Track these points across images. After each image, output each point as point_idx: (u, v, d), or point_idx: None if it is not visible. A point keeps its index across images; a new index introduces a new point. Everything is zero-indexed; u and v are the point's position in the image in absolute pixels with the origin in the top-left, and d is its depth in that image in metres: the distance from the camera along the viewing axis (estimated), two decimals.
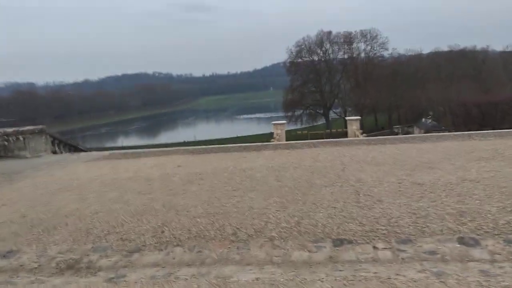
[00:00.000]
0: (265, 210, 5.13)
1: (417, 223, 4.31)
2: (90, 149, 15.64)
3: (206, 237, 4.48)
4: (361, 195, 5.42)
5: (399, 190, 5.48)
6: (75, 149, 14.66)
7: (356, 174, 6.60)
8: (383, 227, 4.27)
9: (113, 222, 5.20)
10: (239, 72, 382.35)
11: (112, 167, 9.18)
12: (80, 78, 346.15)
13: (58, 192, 7.17)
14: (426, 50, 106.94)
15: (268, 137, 74.99)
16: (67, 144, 15.17)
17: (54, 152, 14.42)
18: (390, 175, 6.40)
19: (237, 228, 4.62)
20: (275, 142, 10.75)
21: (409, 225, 4.28)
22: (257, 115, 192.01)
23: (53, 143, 14.75)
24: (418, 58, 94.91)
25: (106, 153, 11.30)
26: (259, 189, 6.16)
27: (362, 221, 4.51)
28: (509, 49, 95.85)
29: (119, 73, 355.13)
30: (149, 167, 8.76)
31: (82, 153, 12.50)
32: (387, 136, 11.06)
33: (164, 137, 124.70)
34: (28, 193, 7.34)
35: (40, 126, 14.22)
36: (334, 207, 5.02)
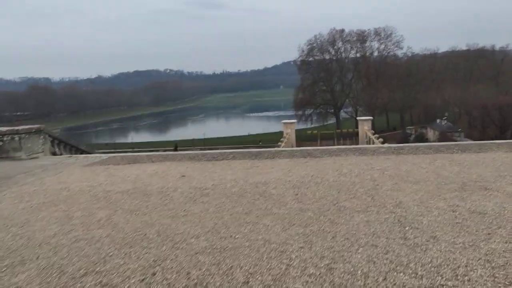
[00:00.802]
0: (285, 246, 4.03)
1: (496, 277, 3.18)
2: (96, 146, 14.62)
3: (210, 285, 3.40)
4: (407, 227, 4.29)
5: (457, 222, 4.33)
6: (76, 150, 13.68)
7: (393, 195, 5.46)
8: (449, 283, 3.14)
9: (95, 256, 4.15)
10: (249, 70, 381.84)
11: (109, 174, 8.14)
12: (93, 74, 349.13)
13: (41, 207, 6.15)
14: (442, 49, 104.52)
15: (278, 136, 74.08)
16: (68, 145, 14.19)
17: (54, 153, 13.46)
18: (436, 197, 5.25)
19: (250, 274, 3.53)
20: (290, 148, 9.61)
21: (486, 280, 3.14)
22: (267, 114, 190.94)
23: (52, 143, 13.80)
24: (433, 58, 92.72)
25: (106, 157, 10.29)
26: (276, 213, 5.06)
27: (417, 269, 3.39)
28: None
29: (131, 70, 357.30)
30: (149, 176, 7.71)
31: (82, 156, 11.51)
32: (418, 143, 9.85)
33: (174, 134, 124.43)
34: (8, 207, 6.34)
35: (37, 125, 13.25)
36: (375, 246, 3.89)
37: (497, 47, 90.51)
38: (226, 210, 5.32)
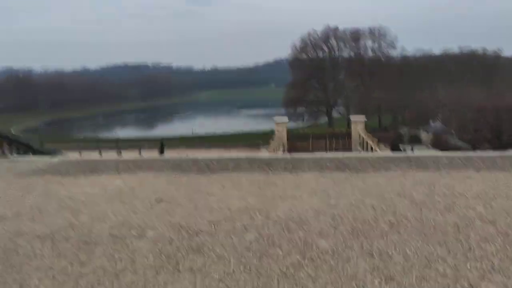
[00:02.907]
0: None
1: None
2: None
3: None
4: None
5: None
6: (28, 150, 10.81)
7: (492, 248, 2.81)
8: None
9: None
10: (240, 66, 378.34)
11: (44, 193, 5.28)
12: (79, 66, 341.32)
13: None
14: (436, 51, 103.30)
15: (270, 133, 71.73)
16: (21, 144, 11.21)
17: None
18: None
19: None
20: (314, 156, 6.85)
21: None
22: (258, 111, 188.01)
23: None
24: (427, 59, 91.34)
25: (56, 161, 7.41)
26: None
27: None
28: None
29: (119, 63, 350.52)
30: (106, 199, 4.90)
31: (26, 159, 8.61)
32: (468, 153, 7.09)
33: (161, 130, 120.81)
34: None
35: None
36: None
37: (488, 50, 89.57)
38: None
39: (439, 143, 54.81)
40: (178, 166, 6.00)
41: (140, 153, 67.20)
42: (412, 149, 53.96)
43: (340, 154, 6.69)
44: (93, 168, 6.26)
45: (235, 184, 5.18)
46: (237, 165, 6.11)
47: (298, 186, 5.16)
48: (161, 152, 51.85)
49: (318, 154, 5.80)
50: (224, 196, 4.79)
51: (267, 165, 6.19)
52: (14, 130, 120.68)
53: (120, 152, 62.44)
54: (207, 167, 5.91)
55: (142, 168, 6.00)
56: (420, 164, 5.92)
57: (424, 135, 68.23)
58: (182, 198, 4.70)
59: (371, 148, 53.08)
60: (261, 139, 75.78)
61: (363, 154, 7.37)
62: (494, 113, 44.12)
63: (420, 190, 4.75)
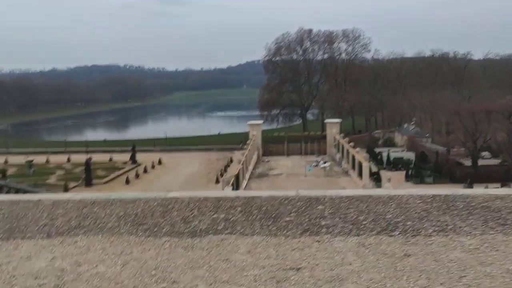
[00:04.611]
0: None
1: None
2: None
3: None
4: None
5: None
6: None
7: None
8: None
9: None
10: (213, 68, 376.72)
11: None
12: (47, 67, 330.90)
13: None
14: (409, 53, 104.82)
15: (243, 137, 70.81)
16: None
17: None
18: None
19: None
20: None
21: None
22: (230, 113, 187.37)
23: None
24: (400, 62, 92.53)
25: None
26: None
27: None
28: (489, 57, 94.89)
29: (89, 64, 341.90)
30: None
31: None
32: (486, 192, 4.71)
33: (133, 132, 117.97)
34: None
35: None
36: None
37: (459, 54, 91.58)
38: None
39: (414, 146, 55.31)
40: (116, 228, 3.54)
41: (111, 159, 65.16)
42: (388, 152, 54.18)
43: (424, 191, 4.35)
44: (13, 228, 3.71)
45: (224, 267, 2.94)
46: (231, 204, 4.43)
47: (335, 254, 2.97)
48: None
49: (334, 192, 4.23)
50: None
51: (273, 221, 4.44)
52: None
53: (90, 158, 60.20)
54: (168, 222, 3.87)
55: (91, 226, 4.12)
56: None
57: (399, 138, 68.93)
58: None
59: (347, 152, 52.84)
60: (235, 141, 75.02)
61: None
62: (470, 116, 44.53)
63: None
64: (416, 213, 3.48)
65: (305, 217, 3.52)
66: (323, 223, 3.35)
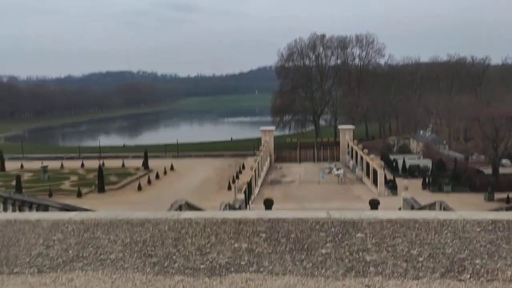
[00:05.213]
0: None
1: None
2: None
3: None
4: None
5: None
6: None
7: None
8: None
9: None
10: (224, 74, 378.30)
11: None
12: (63, 74, 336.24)
13: None
14: (424, 59, 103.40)
15: (256, 143, 70.20)
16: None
17: None
18: None
19: None
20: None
21: None
22: (242, 119, 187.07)
23: None
24: (415, 67, 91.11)
25: None
26: None
27: None
28: (508, 62, 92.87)
29: (103, 71, 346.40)
30: None
31: None
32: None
33: (145, 138, 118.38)
34: None
35: None
36: None
37: (477, 58, 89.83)
38: None
39: (430, 153, 54.04)
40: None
41: (123, 165, 65.21)
42: (403, 159, 53.03)
43: None
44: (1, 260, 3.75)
45: None
46: None
47: None
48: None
49: (371, 214, 3.55)
50: None
51: None
52: None
53: (103, 164, 60.36)
54: None
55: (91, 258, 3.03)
56: None
57: (414, 145, 67.57)
58: None
59: (361, 158, 51.78)
60: (247, 147, 74.45)
61: None
62: (489, 121, 43.22)
63: None
64: (481, 246, 2.86)
65: (344, 249, 2.93)
66: (368, 258, 2.76)
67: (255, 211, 4.64)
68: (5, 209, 7.77)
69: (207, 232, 3.40)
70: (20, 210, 7.82)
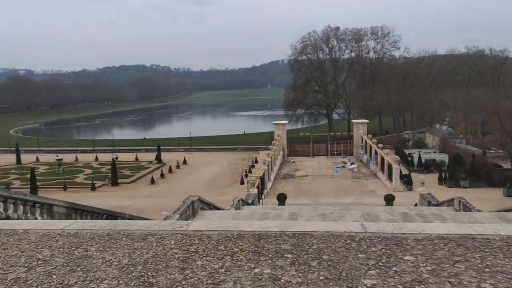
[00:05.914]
0: None
1: None
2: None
3: None
4: None
5: None
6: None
7: None
8: None
9: None
10: (237, 68, 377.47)
11: None
12: (78, 68, 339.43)
13: None
14: (441, 51, 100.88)
15: (268, 136, 69.49)
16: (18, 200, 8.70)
17: None
18: None
19: None
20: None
21: None
22: (255, 113, 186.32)
23: None
24: (432, 59, 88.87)
25: None
26: None
27: None
28: None
29: (117, 64, 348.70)
30: None
31: None
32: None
33: (158, 131, 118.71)
34: None
35: None
36: None
37: (495, 50, 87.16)
38: None
39: (446, 147, 52.71)
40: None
41: (136, 158, 65.26)
42: (419, 154, 51.83)
43: None
44: None
45: None
46: None
47: None
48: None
49: (415, 228, 2.98)
50: None
51: None
52: (13, 130, 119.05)
53: (117, 157, 60.49)
54: None
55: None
56: None
57: (430, 139, 66.08)
58: None
59: (375, 153, 50.69)
60: (260, 141, 73.83)
61: None
62: (509, 115, 41.87)
63: None
64: None
65: (394, 279, 2.32)
66: None
67: (276, 221, 4.01)
68: (5, 210, 7.31)
69: (220, 251, 2.81)
70: (24, 210, 7.35)
